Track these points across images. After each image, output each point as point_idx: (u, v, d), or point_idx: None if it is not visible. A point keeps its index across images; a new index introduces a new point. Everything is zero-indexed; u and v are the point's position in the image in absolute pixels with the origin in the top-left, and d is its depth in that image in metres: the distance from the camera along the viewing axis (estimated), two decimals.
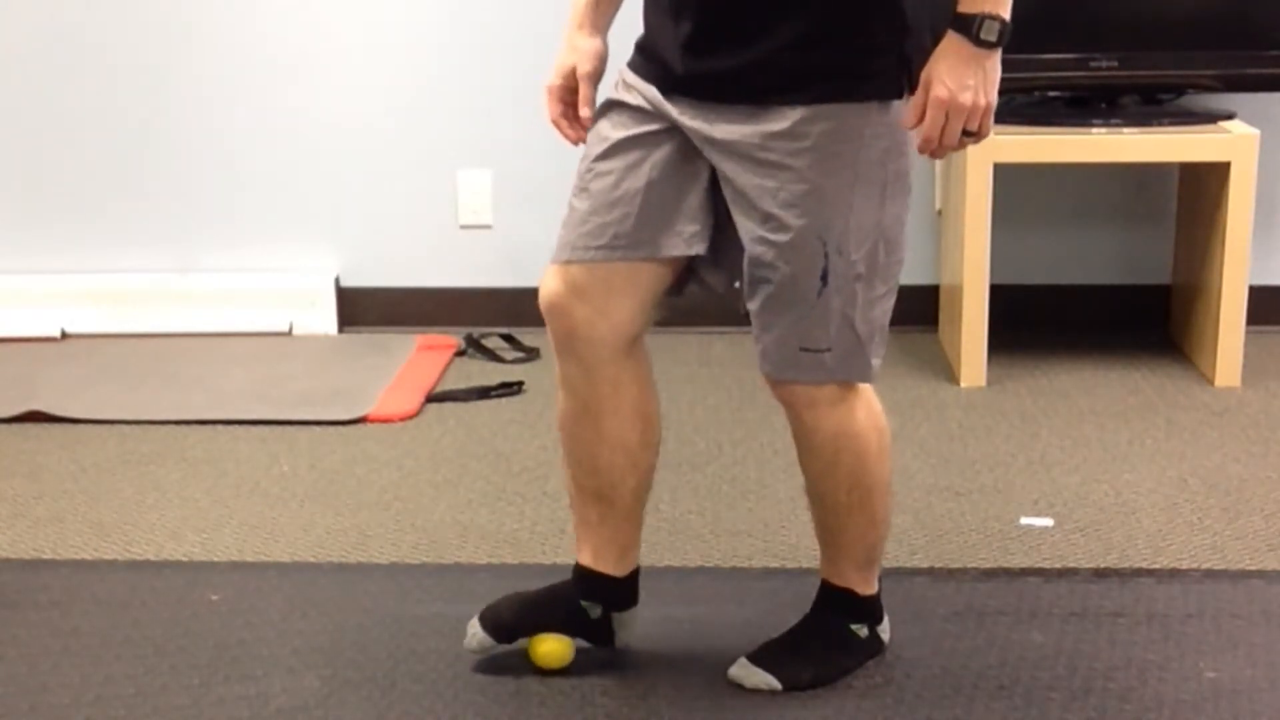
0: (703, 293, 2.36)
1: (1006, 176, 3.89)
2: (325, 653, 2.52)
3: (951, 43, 2.10)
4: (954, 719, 2.32)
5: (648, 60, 2.26)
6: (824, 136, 2.14)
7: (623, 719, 2.32)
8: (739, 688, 2.39)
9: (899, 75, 2.15)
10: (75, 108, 4.29)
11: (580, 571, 2.46)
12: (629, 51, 2.32)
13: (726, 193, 2.22)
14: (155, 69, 4.26)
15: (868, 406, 2.32)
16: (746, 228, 2.20)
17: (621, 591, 2.46)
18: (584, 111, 2.32)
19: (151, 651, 2.53)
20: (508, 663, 2.46)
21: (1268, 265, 4.22)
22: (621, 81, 2.30)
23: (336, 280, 4.35)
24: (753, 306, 2.24)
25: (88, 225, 4.36)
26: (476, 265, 4.35)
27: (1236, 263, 3.74)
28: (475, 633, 2.44)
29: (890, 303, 2.27)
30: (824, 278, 2.18)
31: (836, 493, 2.35)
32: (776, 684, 2.38)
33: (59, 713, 2.35)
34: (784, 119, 2.14)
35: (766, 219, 2.17)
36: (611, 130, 2.28)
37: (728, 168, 2.19)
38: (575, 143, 2.36)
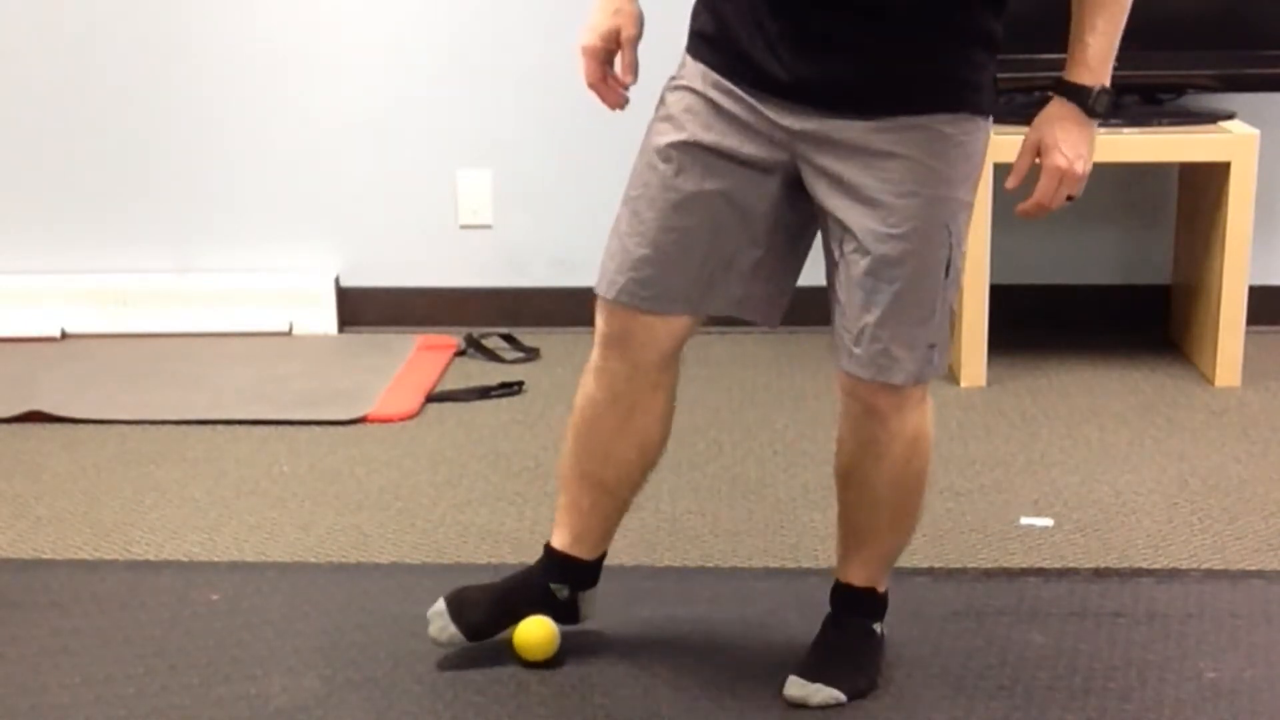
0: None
1: (1007, 176, 3.88)
2: (325, 653, 2.52)
3: (1063, 110, 2.13)
4: (954, 719, 2.32)
5: (723, 54, 2.18)
6: (940, 122, 2.13)
7: (622, 719, 2.33)
8: (741, 688, 2.38)
9: (993, 92, 2.16)
10: (75, 108, 4.29)
11: (552, 555, 2.48)
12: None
13: (836, 206, 2.15)
14: (155, 69, 4.26)
15: (930, 405, 2.32)
16: (866, 229, 2.14)
17: (589, 573, 2.50)
18: (627, 78, 2.27)
19: (151, 651, 2.53)
20: (508, 663, 2.46)
21: (1268, 265, 4.21)
22: (700, 84, 2.20)
23: (336, 280, 4.35)
24: (871, 319, 2.17)
25: (88, 225, 4.36)
26: (476, 265, 4.35)
27: (1236, 263, 3.74)
28: (445, 626, 2.44)
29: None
30: (946, 269, 2.17)
31: (894, 494, 2.34)
32: (842, 697, 2.34)
33: (59, 713, 2.35)
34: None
35: (889, 214, 2.13)
36: (680, 179, 2.21)
37: (842, 168, 2.14)
38: (614, 108, 2.30)
